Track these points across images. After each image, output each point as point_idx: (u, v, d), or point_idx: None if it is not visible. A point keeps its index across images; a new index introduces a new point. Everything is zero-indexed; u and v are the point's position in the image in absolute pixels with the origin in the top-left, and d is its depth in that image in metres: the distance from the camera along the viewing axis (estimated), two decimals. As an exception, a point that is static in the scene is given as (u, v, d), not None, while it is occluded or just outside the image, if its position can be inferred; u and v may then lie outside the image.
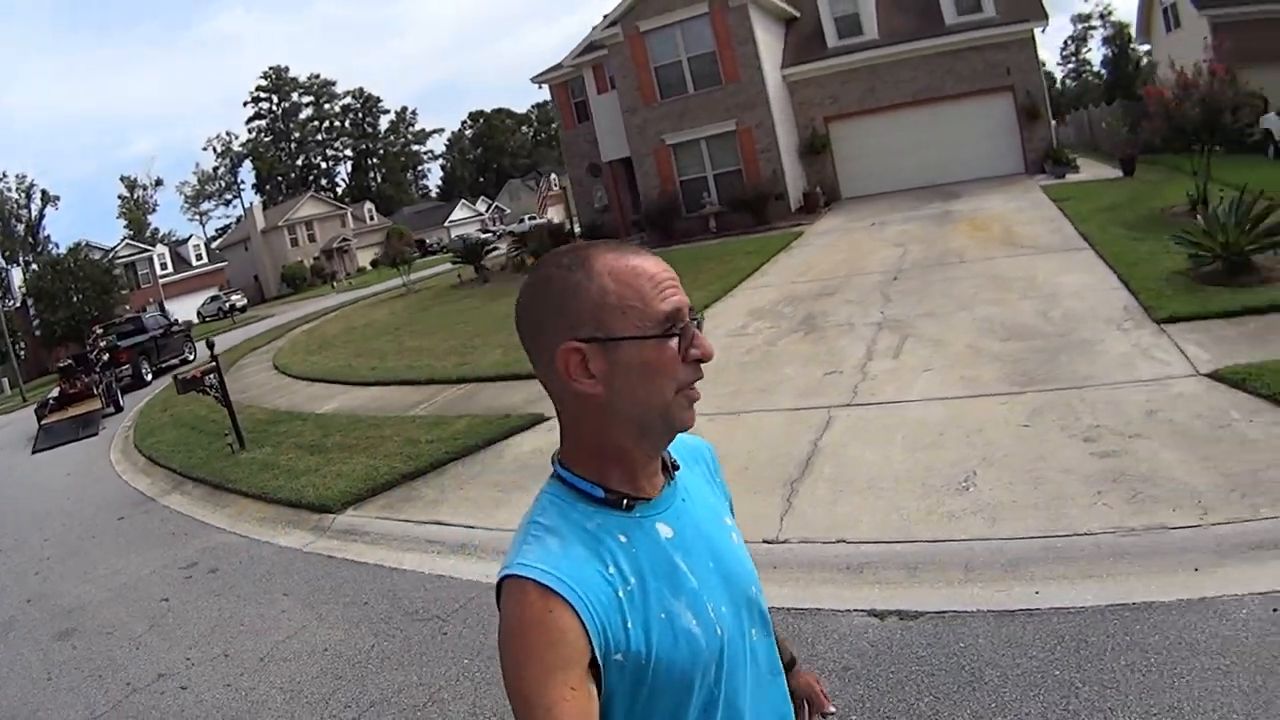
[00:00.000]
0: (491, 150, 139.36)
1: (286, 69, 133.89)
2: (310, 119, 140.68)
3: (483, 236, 62.05)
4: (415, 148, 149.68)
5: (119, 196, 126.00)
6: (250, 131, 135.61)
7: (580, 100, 47.77)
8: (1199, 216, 15.16)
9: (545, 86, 52.14)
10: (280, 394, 22.78)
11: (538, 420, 13.48)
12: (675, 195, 39.74)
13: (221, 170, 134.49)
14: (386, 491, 12.00)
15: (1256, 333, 11.19)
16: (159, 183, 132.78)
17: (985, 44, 39.09)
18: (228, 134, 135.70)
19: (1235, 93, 22.00)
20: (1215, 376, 9.86)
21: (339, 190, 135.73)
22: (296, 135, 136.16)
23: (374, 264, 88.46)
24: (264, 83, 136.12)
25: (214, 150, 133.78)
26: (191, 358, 38.50)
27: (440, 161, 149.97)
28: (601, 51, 41.36)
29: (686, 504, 2.00)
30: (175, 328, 41.14)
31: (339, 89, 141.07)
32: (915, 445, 9.99)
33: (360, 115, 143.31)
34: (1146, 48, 62.46)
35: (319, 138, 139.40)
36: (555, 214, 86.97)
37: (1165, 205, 22.46)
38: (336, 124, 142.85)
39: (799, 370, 13.66)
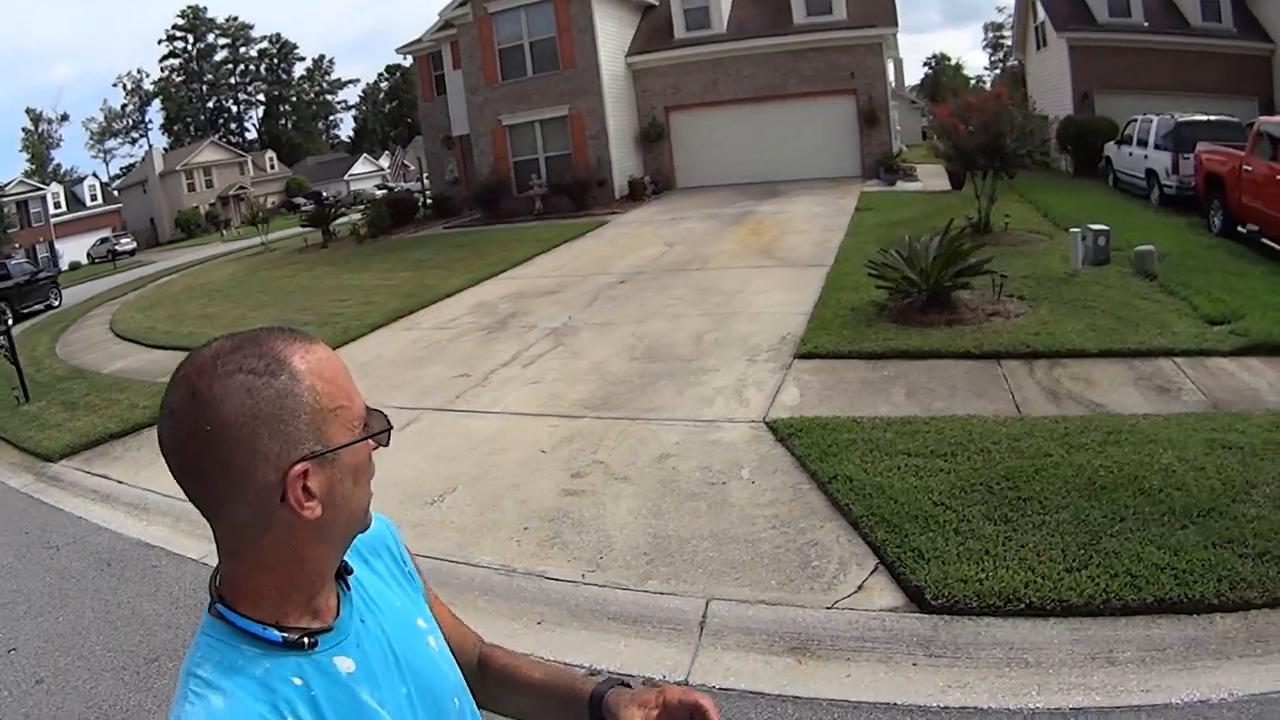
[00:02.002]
0: (406, 105, 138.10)
1: (205, 9, 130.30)
2: (225, 61, 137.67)
3: (378, 193, 60.78)
4: (329, 97, 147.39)
5: (22, 129, 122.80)
6: (163, 71, 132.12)
7: (439, 74, 47.78)
8: (898, 251, 15.00)
9: (410, 57, 52.34)
10: (92, 350, 22.71)
11: None
12: (508, 175, 39.75)
13: (130, 108, 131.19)
14: (96, 447, 12.76)
15: (879, 381, 11.35)
16: (64, 117, 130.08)
17: (831, 46, 39.37)
18: (139, 72, 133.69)
19: (1023, 117, 22.07)
20: (770, 426, 9.92)
21: (248, 136, 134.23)
22: (209, 77, 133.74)
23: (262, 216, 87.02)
24: (180, 21, 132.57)
25: (124, 87, 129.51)
26: (57, 304, 38.18)
27: (353, 113, 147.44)
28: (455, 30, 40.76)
29: (366, 625, 1.71)
30: (41, 274, 40.62)
31: (256, 33, 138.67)
32: (442, 456, 10.38)
33: (276, 61, 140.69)
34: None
35: (232, 81, 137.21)
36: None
37: (947, 227, 22.29)
38: (251, 68, 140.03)
39: (440, 370, 13.92)
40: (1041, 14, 44.21)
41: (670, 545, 7.72)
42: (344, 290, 24.14)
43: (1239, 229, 19.53)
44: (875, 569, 6.97)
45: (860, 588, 6.77)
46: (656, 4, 43.79)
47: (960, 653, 5.91)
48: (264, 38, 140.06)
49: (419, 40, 48.86)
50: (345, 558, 1.71)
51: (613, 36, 40.64)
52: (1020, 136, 21.76)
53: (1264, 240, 18.19)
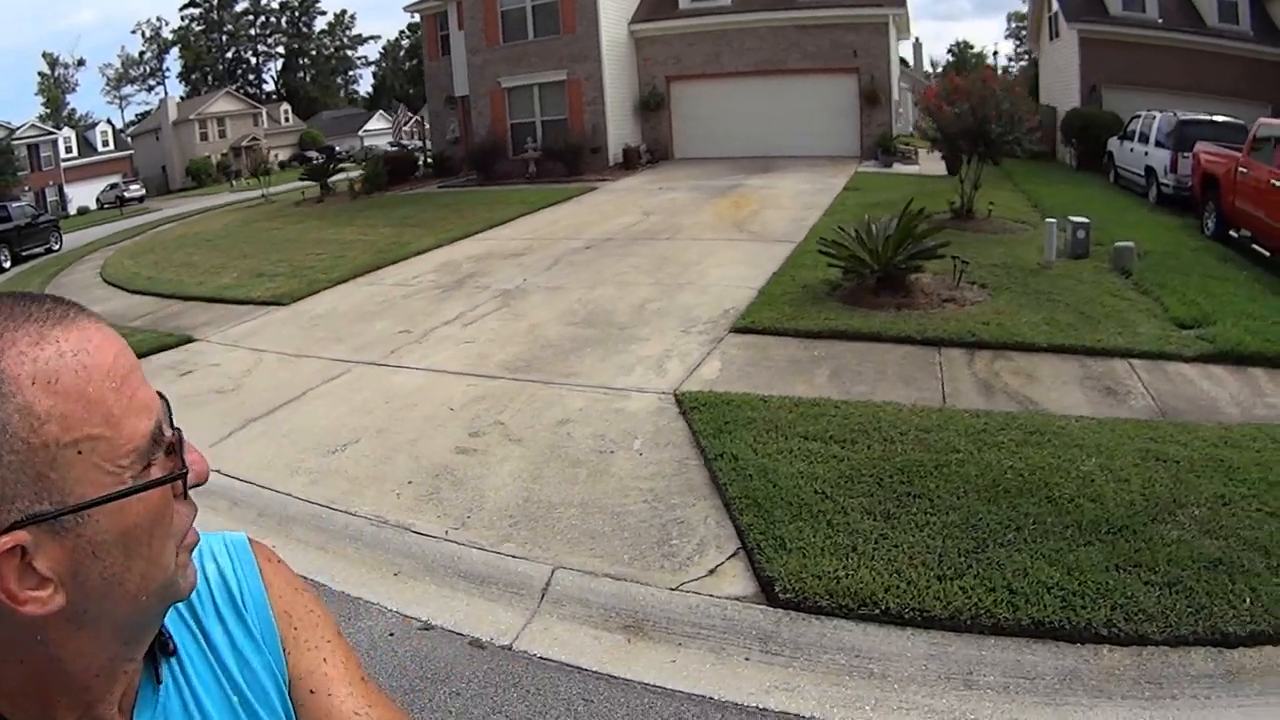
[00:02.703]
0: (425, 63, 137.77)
1: None
2: (245, 12, 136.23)
3: (391, 150, 60.46)
4: (349, 53, 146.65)
5: (39, 74, 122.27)
6: (183, 19, 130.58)
7: (445, 34, 47.64)
8: (857, 230, 14.72)
9: (418, 15, 52.10)
10: (78, 294, 21.97)
11: (185, 340, 14.35)
12: (504, 137, 39.65)
13: (148, 56, 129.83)
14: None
15: (806, 360, 11.21)
16: (81, 62, 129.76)
17: (836, 23, 39.10)
18: (159, 19, 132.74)
19: (1010, 104, 21.55)
20: (677, 398, 9.82)
21: (265, 88, 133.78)
22: (229, 28, 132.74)
23: (282, 165, 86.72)
24: None
25: (143, 34, 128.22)
26: (57, 248, 38.13)
27: (373, 69, 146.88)
28: (463, -12, 40.95)
29: None
30: (43, 218, 40.54)
31: None
32: (358, 409, 10.39)
33: (297, 14, 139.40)
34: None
35: (251, 33, 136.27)
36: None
37: (934, 210, 22.04)
38: (272, 20, 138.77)
39: (386, 326, 13.96)
40: (1055, 4, 43.84)
41: (538, 510, 7.66)
42: (323, 244, 24.18)
43: (1231, 233, 19.31)
44: (734, 554, 6.78)
45: (712, 572, 6.61)
46: (664, -29, 43.49)
47: (799, 653, 5.72)
48: None
49: (426, -1, 48.62)
50: (167, 623, 1.23)
51: (616, 3, 40.48)
52: (1007, 123, 21.37)
53: (1254, 246, 17.96)
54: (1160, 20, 38.95)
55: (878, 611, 5.92)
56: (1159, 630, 5.67)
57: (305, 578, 4.35)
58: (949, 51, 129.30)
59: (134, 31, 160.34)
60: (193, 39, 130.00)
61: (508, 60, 39.64)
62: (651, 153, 39.82)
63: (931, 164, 33.77)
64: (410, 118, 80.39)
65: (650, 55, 41.14)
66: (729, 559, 6.73)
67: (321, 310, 15.80)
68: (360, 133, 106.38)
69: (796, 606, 6.05)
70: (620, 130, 39.31)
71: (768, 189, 28.01)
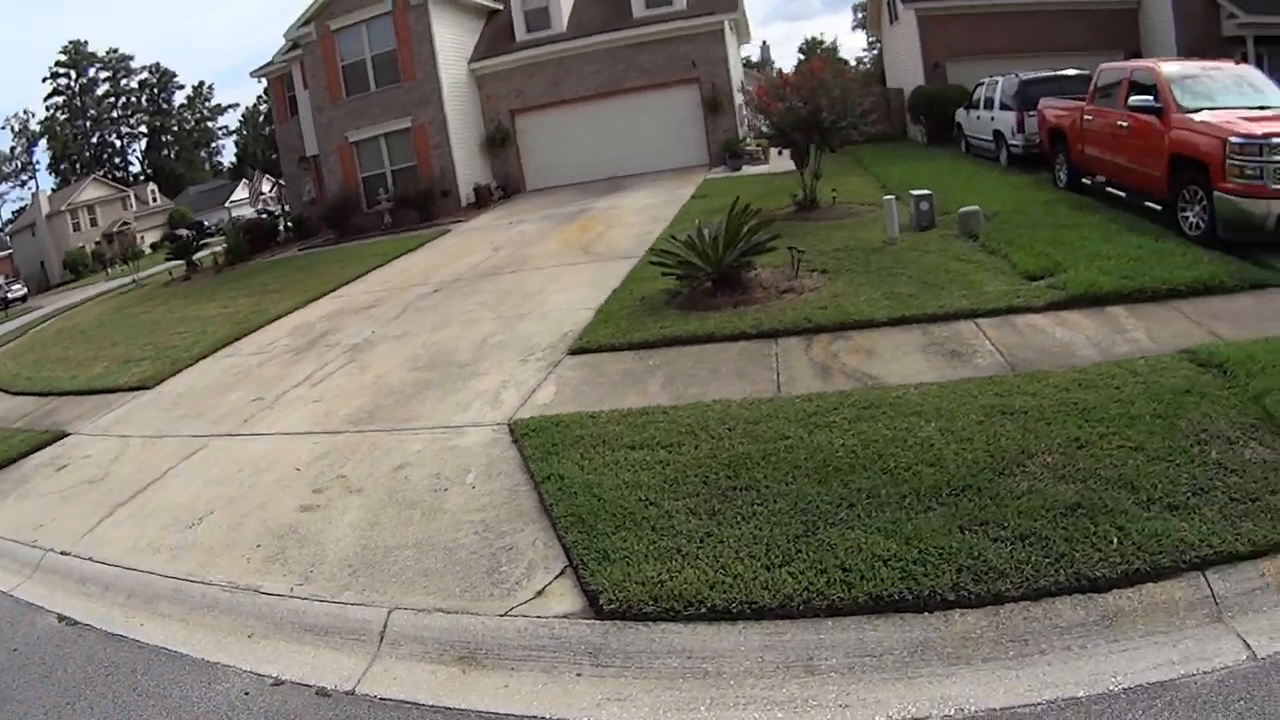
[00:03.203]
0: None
1: (86, 43, 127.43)
2: (106, 95, 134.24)
3: (259, 217, 59.97)
4: (210, 124, 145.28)
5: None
6: (48, 109, 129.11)
7: (292, 95, 47.25)
8: (689, 236, 14.97)
9: (264, 80, 51.51)
10: None
11: (60, 436, 14.39)
12: (357, 191, 39.49)
13: (18, 151, 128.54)
14: None
15: (640, 371, 11.46)
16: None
17: (672, 36, 39.48)
18: (26, 112, 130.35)
19: (841, 90, 22.04)
20: (510, 428, 10.01)
21: (132, 170, 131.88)
22: (92, 112, 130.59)
23: (154, 247, 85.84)
24: (63, 58, 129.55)
25: (11, 129, 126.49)
26: None
27: (234, 138, 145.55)
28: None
29: None
30: None
31: (136, 64, 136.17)
32: (214, 480, 10.52)
33: (156, 91, 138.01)
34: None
35: (114, 115, 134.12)
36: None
37: (778, 205, 22.44)
38: (132, 100, 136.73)
39: (241, 396, 14.08)
40: (892, -12, 43.55)
41: (375, 556, 7.88)
42: (187, 322, 24.16)
43: (1084, 181, 19.83)
44: (561, 573, 6.90)
45: (540, 593, 6.72)
46: (500, 8, 43.71)
47: (630, 662, 5.84)
48: (144, 68, 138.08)
49: (270, 63, 48.53)
50: None
51: (454, 44, 40.57)
52: (839, 110, 21.83)
53: (1108, 189, 18.42)
54: (1002, -14, 39.00)
55: (705, 610, 6.00)
56: (1015, 586, 5.74)
57: (166, 649, 4.66)
58: (799, 50, 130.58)
59: (2, 127, 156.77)
60: (59, 128, 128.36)
61: (353, 114, 39.43)
62: (503, 188, 39.92)
63: (782, 162, 34.13)
64: (274, 182, 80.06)
65: (492, 91, 40.98)
66: (556, 578, 6.85)
67: (182, 389, 15.78)
68: (227, 204, 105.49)
69: (623, 616, 6.15)
70: (469, 170, 39.25)
71: (614, 209, 28.39)
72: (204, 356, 18.38)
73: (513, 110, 41.42)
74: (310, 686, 6.35)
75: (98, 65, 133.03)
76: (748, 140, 32.88)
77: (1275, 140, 12.91)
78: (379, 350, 15.12)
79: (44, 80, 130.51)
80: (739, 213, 14.38)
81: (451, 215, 36.03)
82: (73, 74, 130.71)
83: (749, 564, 6.32)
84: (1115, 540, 5.98)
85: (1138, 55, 31.47)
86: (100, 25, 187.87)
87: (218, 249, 42.93)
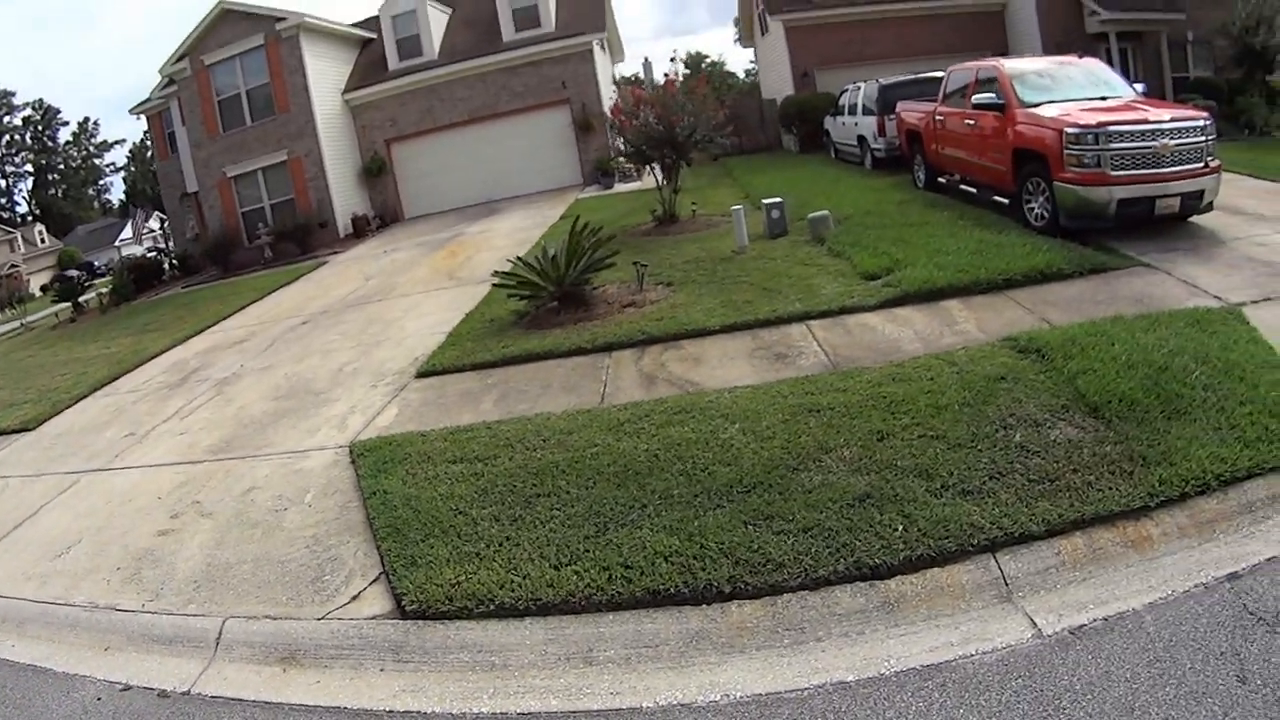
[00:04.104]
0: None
1: None
2: None
3: (146, 256, 59.53)
4: (96, 161, 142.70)
5: None
6: None
7: (171, 131, 47.31)
8: (537, 258, 15.79)
9: (144, 117, 51.60)
10: None
11: None
12: (237, 226, 39.64)
13: None
14: None
15: (478, 390, 12.10)
16: None
17: (543, 59, 40.26)
18: None
19: (693, 105, 22.75)
20: (351, 449, 10.64)
21: (19, 210, 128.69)
22: None
23: (43, 289, 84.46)
24: None
25: None
26: None
27: (122, 175, 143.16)
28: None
29: None
30: None
31: (18, 100, 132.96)
32: (83, 514, 11.06)
33: (40, 128, 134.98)
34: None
35: None
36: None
37: (640, 222, 23.31)
38: (16, 138, 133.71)
39: (114, 433, 14.48)
40: (761, 2, 45.61)
41: (217, 572, 8.68)
42: (70, 364, 24.33)
43: (940, 180, 20.90)
44: (376, 579, 7.56)
45: (355, 598, 7.40)
46: (373, 37, 44.11)
47: (427, 657, 6.45)
48: (26, 104, 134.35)
49: (149, 100, 48.54)
50: None
51: (327, 75, 40.94)
52: (693, 124, 22.52)
53: (962, 187, 19.39)
54: (864, -5, 39.88)
55: (494, 608, 6.59)
56: (793, 577, 6.15)
57: (33, 665, 5.62)
58: (684, 64, 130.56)
59: None
60: None
61: (230, 149, 39.50)
62: (381, 217, 40.40)
63: (654, 180, 35.11)
64: (162, 220, 79.37)
65: (367, 121, 41.47)
66: (371, 584, 7.54)
67: (62, 429, 16.22)
68: (117, 242, 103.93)
69: (423, 616, 6.81)
70: (347, 201, 39.70)
71: (486, 233, 29.03)
72: (84, 397, 18.82)
73: (388, 139, 41.58)
74: (154, 690, 7.13)
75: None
76: (618, 159, 33.46)
77: (1110, 129, 13.86)
78: (244, 383, 15.61)
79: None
80: (579, 232, 15.20)
81: (330, 247, 36.47)
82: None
83: (539, 564, 6.89)
84: (900, 528, 6.43)
85: (1004, 55, 32.24)
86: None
87: (105, 290, 42.73)
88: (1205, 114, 14.47)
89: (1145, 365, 8.35)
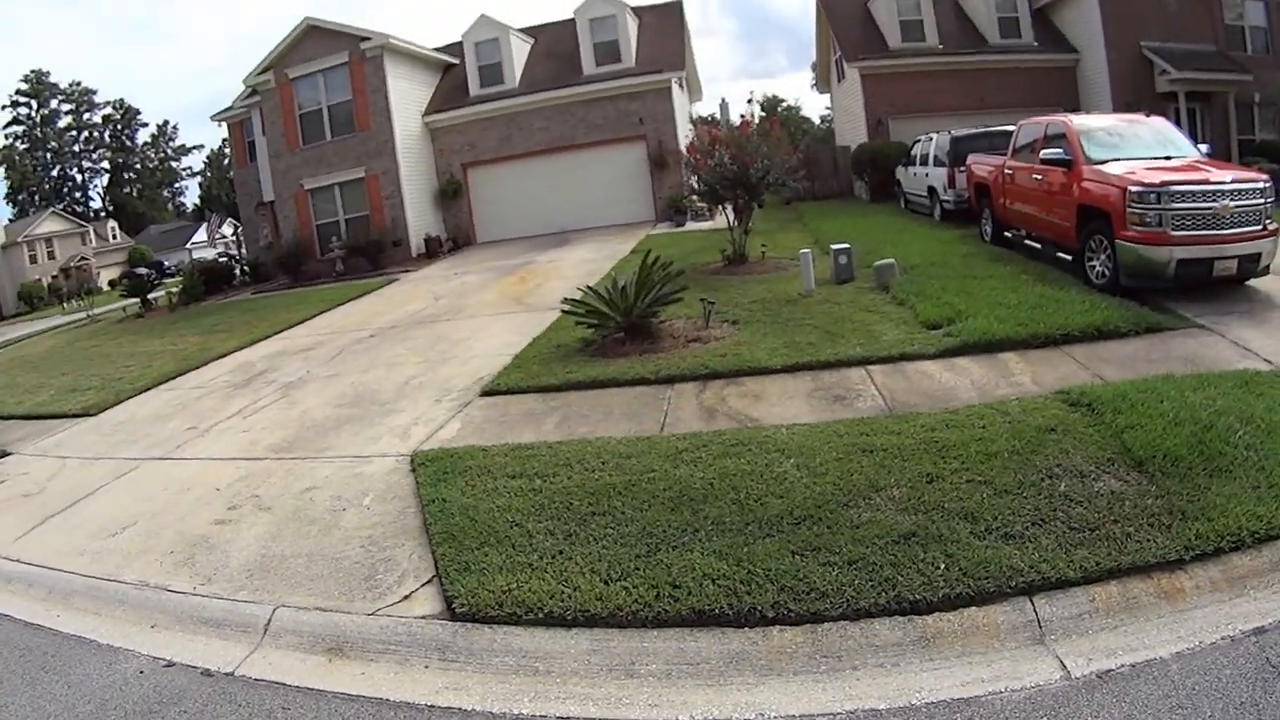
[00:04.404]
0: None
1: (48, 74, 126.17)
2: (68, 128, 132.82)
3: (217, 260, 60.09)
4: (173, 164, 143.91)
5: None
6: (7, 138, 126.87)
7: (251, 140, 47.80)
8: (607, 288, 15.95)
9: (224, 124, 52.19)
10: None
11: (1, 455, 15.03)
12: (311, 238, 40.02)
13: None
14: None
15: (541, 411, 12.15)
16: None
17: (621, 94, 40.50)
18: None
19: (767, 147, 22.75)
20: (412, 458, 10.72)
21: (93, 205, 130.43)
22: (53, 145, 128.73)
23: (111, 284, 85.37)
24: (24, 87, 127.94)
25: None
26: None
27: (198, 180, 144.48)
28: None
29: None
30: None
31: (100, 98, 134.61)
32: (141, 497, 11.31)
33: (120, 127, 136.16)
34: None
35: (76, 149, 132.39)
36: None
37: (710, 261, 23.39)
38: (95, 135, 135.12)
39: (177, 425, 14.76)
40: (838, 48, 46.19)
41: (272, 563, 8.81)
42: (135, 357, 24.77)
43: (1006, 234, 20.92)
44: (429, 581, 7.65)
45: (406, 597, 7.49)
46: (455, 62, 44.49)
47: (473, 658, 6.53)
48: (108, 103, 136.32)
49: (230, 108, 49.24)
50: None
51: (409, 97, 41.30)
52: (766, 166, 22.52)
53: (1027, 242, 19.45)
54: (941, 46, 41.35)
55: (542, 616, 6.68)
56: (834, 607, 6.23)
57: (78, 636, 5.74)
58: (761, 107, 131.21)
59: None
60: (17, 158, 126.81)
61: (309, 162, 39.94)
62: (453, 240, 40.63)
63: (725, 220, 35.14)
64: (235, 226, 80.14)
65: (445, 144, 41.72)
66: (423, 586, 7.62)
67: (123, 417, 16.47)
68: (189, 245, 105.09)
69: (472, 619, 6.90)
70: (421, 221, 39.96)
71: (555, 263, 29.03)
72: (147, 389, 19.13)
73: (465, 164, 41.83)
74: (197, 668, 7.23)
75: (60, 97, 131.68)
76: (691, 198, 33.70)
77: (1173, 188, 13.88)
78: (310, 388, 15.80)
79: (2, 108, 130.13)
80: (650, 265, 15.28)
81: (401, 265, 36.50)
82: (34, 104, 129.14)
83: (589, 578, 6.97)
84: (942, 566, 6.49)
85: (1075, 111, 32.28)
86: (60, 54, 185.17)
87: (174, 289, 43.16)
88: (1266, 177, 14.53)
89: (1191, 423, 8.36)
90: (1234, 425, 8.28)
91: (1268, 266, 13.97)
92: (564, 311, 16.26)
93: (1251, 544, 6.57)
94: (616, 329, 15.17)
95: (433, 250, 38.34)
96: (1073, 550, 6.61)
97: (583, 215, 40.66)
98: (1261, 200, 13.72)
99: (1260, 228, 13.67)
